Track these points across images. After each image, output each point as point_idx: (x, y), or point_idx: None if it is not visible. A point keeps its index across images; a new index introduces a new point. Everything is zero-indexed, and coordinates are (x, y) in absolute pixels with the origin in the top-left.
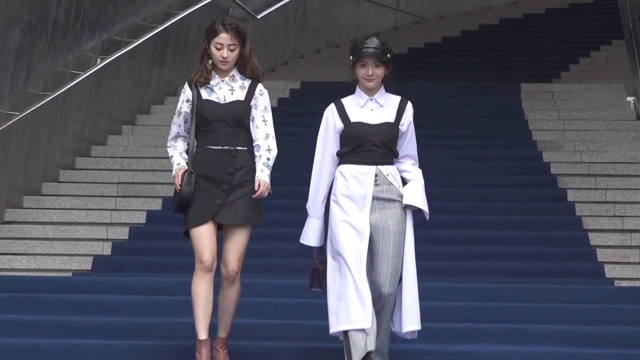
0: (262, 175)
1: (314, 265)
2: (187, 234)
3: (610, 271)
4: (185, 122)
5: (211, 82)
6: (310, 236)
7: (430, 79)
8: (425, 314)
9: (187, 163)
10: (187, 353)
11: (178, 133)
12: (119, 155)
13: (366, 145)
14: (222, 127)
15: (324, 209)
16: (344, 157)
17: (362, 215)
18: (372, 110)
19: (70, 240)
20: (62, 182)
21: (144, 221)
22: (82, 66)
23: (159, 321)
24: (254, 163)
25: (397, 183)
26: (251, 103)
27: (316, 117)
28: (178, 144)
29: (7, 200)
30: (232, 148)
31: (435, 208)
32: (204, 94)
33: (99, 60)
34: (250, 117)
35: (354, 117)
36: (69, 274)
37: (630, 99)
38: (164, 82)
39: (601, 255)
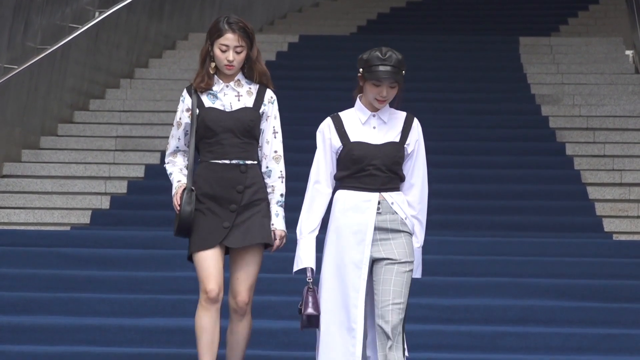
0: (279, 223)
1: (308, 286)
2: (191, 259)
3: (608, 225)
4: (186, 134)
5: (214, 88)
6: (303, 257)
7: (429, 32)
8: (424, 268)
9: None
10: (185, 306)
11: (177, 147)
12: (117, 109)
13: (368, 169)
14: (229, 138)
15: (317, 232)
16: (342, 181)
17: (362, 248)
18: (374, 128)
19: (68, 194)
20: (60, 136)
21: (143, 175)
22: (80, 19)
23: (157, 275)
24: (264, 179)
25: (403, 213)
26: (260, 110)
27: (315, 70)
28: (177, 160)
29: (6, 153)
30: (241, 162)
31: (434, 162)
32: (207, 101)
33: (97, 13)
34: (259, 128)
35: (354, 136)
36: (68, 228)
37: (628, 52)
38: (163, 36)
39: (599, 209)
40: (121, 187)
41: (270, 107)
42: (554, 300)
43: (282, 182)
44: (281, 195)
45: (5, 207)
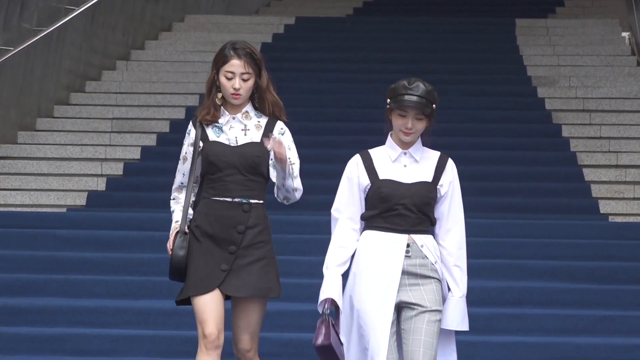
0: (285, 139)
1: (322, 318)
2: (182, 302)
3: (604, 207)
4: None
5: (220, 121)
6: (325, 289)
7: (425, 14)
8: None
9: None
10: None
11: (182, 182)
12: (113, 90)
13: (397, 209)
14: (233, 174)
15: (345, 267)
16: (369, 221)
17: (388, 293)
18: (405, 166)
19: (64, 175)
20: (56, 118)
21: (139, 157)
22: (76, 1)
23: (153, 257)
24: (269, 220)
25: (434, 257)
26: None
27: (310, 52)
28: (182, 197)
29: (2, 135)
30: (244, 201)
31: (429, 144)
32: (211, 134)
33: None
34: (271, 162)
35: (383, 174)
36: (64, 210)
37: (625, 34)
38: (158, 17)
39: (595, 190)
40: (117, 169)
41: (283, 139)
42: (550, 282)
43: (297, 167)
44: (294, 164)
45: (1, 189)
